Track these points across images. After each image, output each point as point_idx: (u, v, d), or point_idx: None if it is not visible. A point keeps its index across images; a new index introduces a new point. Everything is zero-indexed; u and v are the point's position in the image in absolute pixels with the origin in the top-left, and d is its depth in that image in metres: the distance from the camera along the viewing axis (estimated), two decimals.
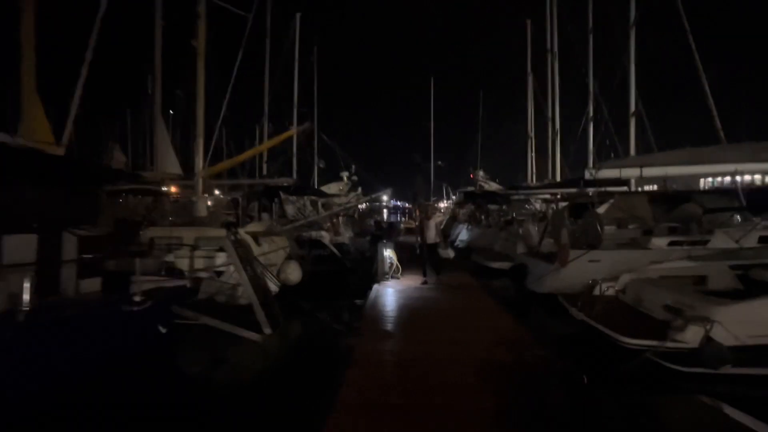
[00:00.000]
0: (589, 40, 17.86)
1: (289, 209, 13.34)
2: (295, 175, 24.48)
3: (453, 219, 27.87)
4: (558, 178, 21.28)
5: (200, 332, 6.01)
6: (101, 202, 6.94)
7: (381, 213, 48.84)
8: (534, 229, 11.17)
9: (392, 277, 10.99)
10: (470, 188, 27.94)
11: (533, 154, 26.95)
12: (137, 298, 4.82)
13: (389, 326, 6.96)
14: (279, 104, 23.54)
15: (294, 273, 9.25)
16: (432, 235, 10.82)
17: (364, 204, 29.06)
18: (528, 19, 25.17)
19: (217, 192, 13.69)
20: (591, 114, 18.19)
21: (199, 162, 9.66)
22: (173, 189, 13.43)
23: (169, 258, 7.36)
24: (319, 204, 18.30)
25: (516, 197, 18.91)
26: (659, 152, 8.96)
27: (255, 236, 8.54)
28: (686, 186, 12.86)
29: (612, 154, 19.31)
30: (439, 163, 52.41)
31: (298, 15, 23.99)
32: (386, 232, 28.25)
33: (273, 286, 7.69)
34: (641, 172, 8.63)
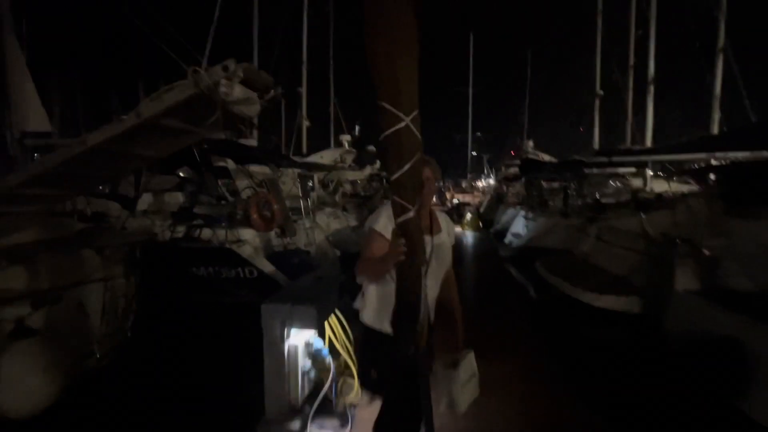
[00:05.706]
0: None
1: (243, 186, 7.98)
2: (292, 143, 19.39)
3: (498, 200, 22.07)
4: (648, 143, 15.43)
5: None
6: None
7: None
8: None
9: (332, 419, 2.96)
10: (529, 155, 21.85)
11: (597, 118, 20.77)
12: None
13: None
14: (282, 60, 18.79)
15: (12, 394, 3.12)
16: (433, 289, 2.13)
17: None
18: None
19: None
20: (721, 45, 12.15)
21: None
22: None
23: None
24: (315, 180, 13.15)
25: (594, 171, 12.81)
26: None
27: None
28: None
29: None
30: (478, 134, 46.43)
31: None
32: None
33: None
34: None
